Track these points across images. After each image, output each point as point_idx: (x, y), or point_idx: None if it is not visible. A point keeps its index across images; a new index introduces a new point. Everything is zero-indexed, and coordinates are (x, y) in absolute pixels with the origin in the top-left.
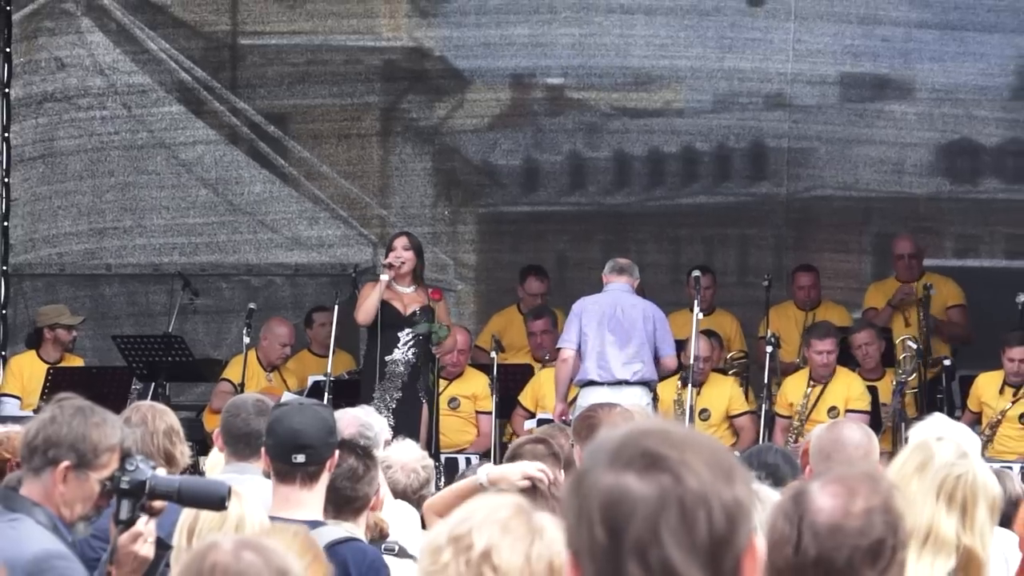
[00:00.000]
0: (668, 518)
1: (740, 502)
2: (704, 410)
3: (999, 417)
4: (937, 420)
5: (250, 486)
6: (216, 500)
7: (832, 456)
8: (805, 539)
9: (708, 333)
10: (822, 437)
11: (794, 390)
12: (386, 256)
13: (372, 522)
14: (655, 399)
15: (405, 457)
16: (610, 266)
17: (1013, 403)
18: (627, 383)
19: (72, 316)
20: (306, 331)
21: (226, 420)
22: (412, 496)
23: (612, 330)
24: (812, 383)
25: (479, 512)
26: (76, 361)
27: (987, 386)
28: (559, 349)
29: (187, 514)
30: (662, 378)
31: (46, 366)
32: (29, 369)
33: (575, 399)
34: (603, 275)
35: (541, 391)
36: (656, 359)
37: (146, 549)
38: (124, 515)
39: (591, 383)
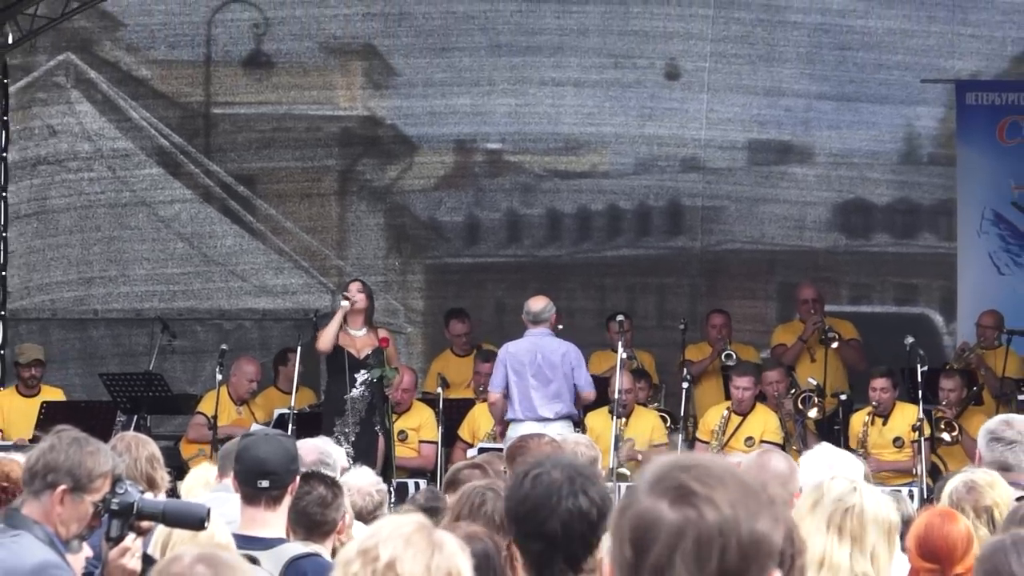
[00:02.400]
0: (684, 547)
1: (759, 540)
2: (629, 439)
3: (862, 451)
4: (824, 449)
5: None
6: (196, 521)
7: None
8: None
9: (639, 373)
10: (750, 465)
11: (715, 418)
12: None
13: (346, 541)
14: (584, 431)
15: (361, 482)
16: (527, 315)
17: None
18: (550, 420)
19: (25, 354)
20: (279, 368)
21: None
22: (367, 516)
23: (534, 374)
24: (729, 411)
25: (385, 528)
26: (54, 392)
27: (856, 423)
28: (489, 392)
29: (160, 530)
30: (585, 409)
31: (23, 399)
32: (8, 402)
33: (505, 432)
34: (524, 319)
35: (475, 424)
36: (577, 394)
37: (134, 563)
38: (114, 533)
39: (518, 420)
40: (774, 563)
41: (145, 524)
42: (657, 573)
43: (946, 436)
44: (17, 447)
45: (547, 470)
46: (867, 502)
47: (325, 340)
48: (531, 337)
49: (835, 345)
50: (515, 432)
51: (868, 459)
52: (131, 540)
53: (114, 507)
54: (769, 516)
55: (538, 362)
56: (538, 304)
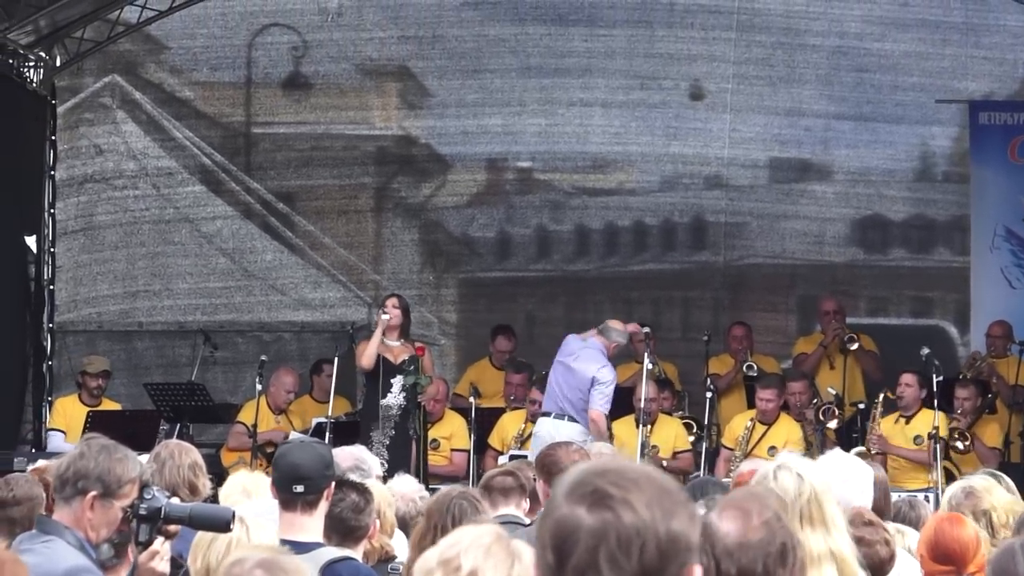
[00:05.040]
0: (605, 548)
1: (676, 537)
2: (654, 446)
3: (875, 430)
4: (835, 454)
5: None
6: (222, 524)
7: None
8: (724, 564)
9: (663, 382)
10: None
11: (740, 425)
12: (379, 314)
13: (379, 545)
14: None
15: (405, 488)
16: (600, 325)
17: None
18: (569, 418)
19: (94, 365)
20: (313, 378)
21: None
22: (410, 521)
23: (563, 374)
24: (754, 421)
25: (465, 539)
26: (113, 405)
27: (885, 428)
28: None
29: (199, 536)
30: (611, 417)
31: (84, 408)
32: (71, 409)
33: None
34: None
35: (504, 432)
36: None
37: (163, 566)
38: (143, 537)
39: (544, 414)
40: (693, 559)
41: (172, 528)
42: (579, 575)
43: (959, 445)
44: (59, 454)
45: None
46: (814, 482)
47: (368, 357)
48: (587, 341)
49: (854, 347)
50: (537, 426)
51: (878, 440)
52: (159, 544)
53: (142, 512)
54: (685, 515)
55: (568, 361)
56: (615, 323)
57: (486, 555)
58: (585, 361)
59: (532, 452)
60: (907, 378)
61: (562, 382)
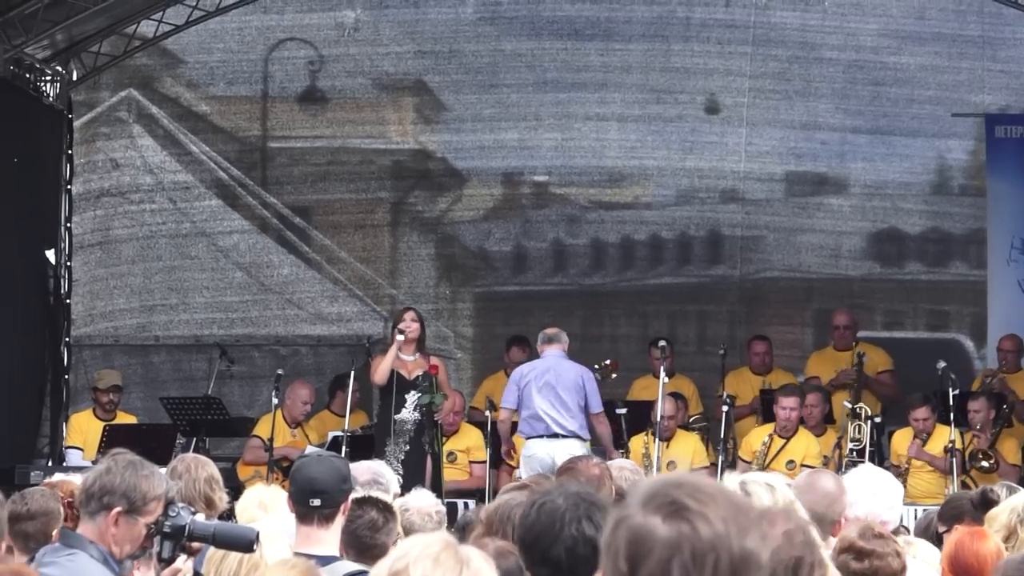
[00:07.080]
0: (679, 560)
1: (749, 555)
2: (671, 462)
3: (906, 466)
4: (866, 469)
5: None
6: (246, 543)
7: (801, 497)
8: None
9: (674, 395)
10: (800, 484)
11: (757, 439)
12: (395, 325)
13: None
14: (627, 454)
15: (421, 503)
16: (541, 338)
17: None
18: (561, 436)
19: (104, 380)
20: (336, 392)
21: None
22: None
23: (547, 391)
24: (773, 435)
25: (414, 549)
26: (128, 419)
27: (900, 442)
28: (500, 408)
29: (212, 550)
30: (628, 433)
31: (99, 422)
32: (86, 424)
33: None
34: (538, 346)
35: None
36: (587, 415)
37: None
38: (166, 554)
39: (532, 437)
40: None
41: (196, 545)
42: None
43: (985, 464)
44: (79, 469)
45: (552, 498)
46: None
47: (381, 374)
48: (546, 358)
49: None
50: (529, 451)
51: (915, 449)
52: (182, 561)
53: (167, 529)
54: (757, 533)
55: (547, 380)
56: (552, 329)
57: (435, 564)
58: (562, 366)
59: (525, 472)
60: (921, 413)
61: (551, 399)
